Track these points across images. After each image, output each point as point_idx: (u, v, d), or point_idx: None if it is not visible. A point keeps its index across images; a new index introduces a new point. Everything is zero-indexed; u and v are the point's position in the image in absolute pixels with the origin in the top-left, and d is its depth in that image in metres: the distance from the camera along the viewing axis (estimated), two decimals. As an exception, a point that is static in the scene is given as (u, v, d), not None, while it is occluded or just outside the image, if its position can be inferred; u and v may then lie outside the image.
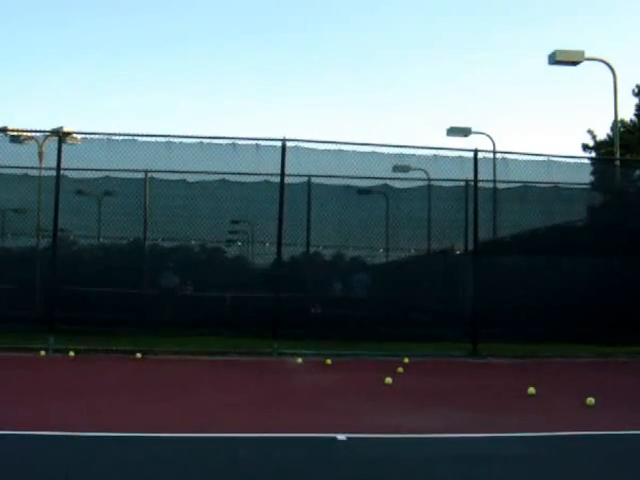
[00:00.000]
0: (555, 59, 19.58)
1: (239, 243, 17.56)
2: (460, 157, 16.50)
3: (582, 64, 19.97)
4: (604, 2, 63.69)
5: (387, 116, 70.99)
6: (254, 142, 15.92)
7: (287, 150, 15.53)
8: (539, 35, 63.61)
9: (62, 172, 15.20)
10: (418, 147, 16.50)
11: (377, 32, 70.51)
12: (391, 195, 16.72)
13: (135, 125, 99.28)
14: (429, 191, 16.80)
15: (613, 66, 19.96)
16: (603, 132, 29.88)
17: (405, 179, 17.14)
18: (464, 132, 27.30)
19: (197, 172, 15.79)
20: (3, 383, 10.62)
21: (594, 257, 16.47)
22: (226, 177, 15.94)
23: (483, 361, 15.12)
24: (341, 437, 7.21)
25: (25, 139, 17.51)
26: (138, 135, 15.53)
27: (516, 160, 16.74)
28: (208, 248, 17.02)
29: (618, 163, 19.40)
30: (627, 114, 29.49)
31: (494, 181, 16.90)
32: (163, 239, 16.37)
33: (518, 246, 17.00)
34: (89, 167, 15.41)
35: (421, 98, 73.04)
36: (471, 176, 16.19)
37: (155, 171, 15.79)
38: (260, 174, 15.86)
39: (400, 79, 72.95)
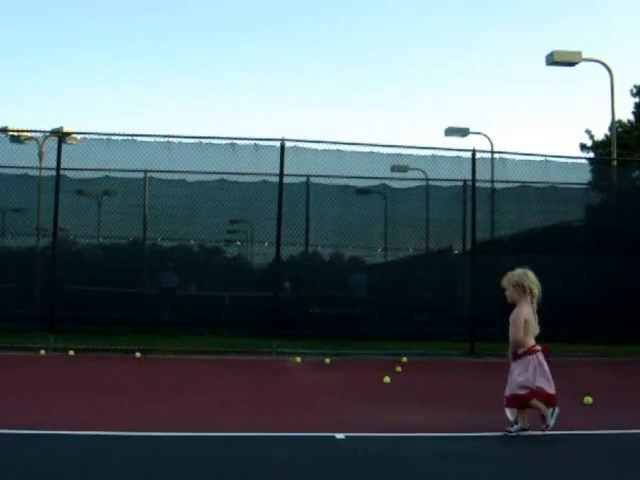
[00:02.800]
0: (553, 60, 19.69)
1: (238, 243, 17.60)
2: (458, 157, 16.55)
3: (580, 64, 20.08)
4: (602, 3, 63.75)
5: (385, 116, 71.06)
6: (253, 142, 15.98)
7: (286, 150, 15.58)
8: (537, 36, 63.73)
9: (62, 172, 15.24)
10: (416, 147, 16.55)
11: (375, 32, 70.57)
12: (389, 195, 16.77)
13: (134, 125, 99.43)
14: (427, 191, 16.86)
15: (610, 67, 20.06)
16: (601, 132, 29.94)
17: (403, 179, 17.21)
18: (462, 132, 27.42)
19: (196, 172, 15.84)
20: (3, 382, 10.66)
21: (592, 257, 16.51)
22: (225, 177, 16.00)
23: (481, 360, 15.16)
24: (340, 436, 7.24)
25: (25, 139, 17.56)
26: (137, 135, 15.59)
27: (514, 160, 16.80)
28: (207, 248, 17.06)
29: (615, 163, 19.47)
30: (625, 114, 29.55)
31: (492, 181, 16.96)
32: (162, 239, 16.41)
33: (516, 246, 17.02)
34: (89, 167, 15.46)
35: (419, 98, 73.10)
36: (469, 176, 16.23)
37: (154, 171, 15.84)
38: (259, 174, 15.91)
39: (398, 79, 72.99)
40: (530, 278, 7.98)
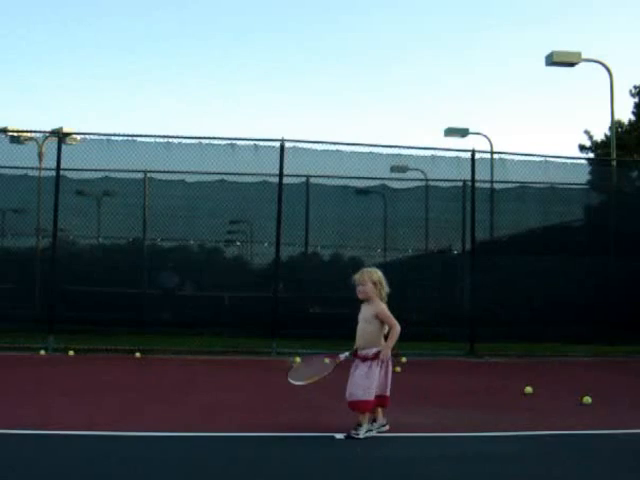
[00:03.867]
0: (552, 60, 19.72)
1: (238, 243, 17.59)
2: (457, 157, 16.56)
3: (579, 65, 20.09)
4: (601, 3, 63.77)
5: (385, 117, 71.08)
6: (252, 142, 16.00)
7: (285, 150, 15.59)
8: (536, 36, 63.77)
9: (62, 172, 15.26)
10: (416, 147, 16.58)
11: (374, 32, 70.59)
12: (389, 195, 16.78)
13: (134, 125, 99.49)
14: (427, 191, 16.87)
15: (610, 67, 20.08)
16: (600, 132, 29.98)
17: (403, 179, 17.23)
18: (461, 133, 27.43)
19: (196, 172, 15.84)
20: (3, 382, 10.67)
21: (591, 257, 16.53)
22: (225, 177, 16.01)
23: (480, 360, 15.17)
24: (340, 436, 7.26)
25: (25, 139, 17.57)
26: (137, 135, 15.59)
27: (513, 160, 16.81)
28: (207, 248, 17.05)
29: (615, 163, 19.48)
30: (625, 114, 29.58)
31: (491, 181, 16.96)
32: (162, 239, 16.41)
33: (515, 246, 17.06)
34: (88, 167, 15.47)
35: (418, 99, 73.12)
36: (468, 176, 16.25)
37: (154, 171, 15.85)
38: (259, 174, 15.92)
39: (397, 80, 73.01)
40: (382, 276, 7.90)
